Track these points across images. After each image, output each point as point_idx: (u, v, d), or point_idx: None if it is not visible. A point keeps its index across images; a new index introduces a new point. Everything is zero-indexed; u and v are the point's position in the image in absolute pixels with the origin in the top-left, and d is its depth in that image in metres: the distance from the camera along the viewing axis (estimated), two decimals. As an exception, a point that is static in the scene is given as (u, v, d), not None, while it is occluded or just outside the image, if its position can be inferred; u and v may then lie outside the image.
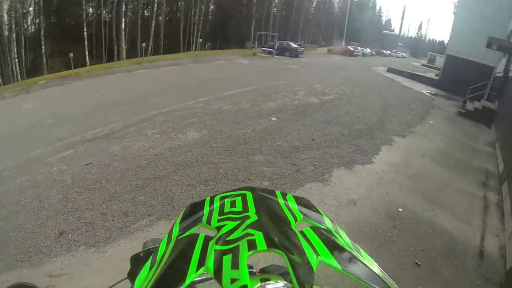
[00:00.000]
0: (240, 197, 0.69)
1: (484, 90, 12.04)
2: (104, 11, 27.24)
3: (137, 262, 1.07)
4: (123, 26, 27.20)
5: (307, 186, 4.44)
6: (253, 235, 0.50)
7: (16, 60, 22.23)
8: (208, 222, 0.61)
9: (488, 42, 10.91)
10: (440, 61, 21.65)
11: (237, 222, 0.57)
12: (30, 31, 24.37)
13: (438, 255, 3.30)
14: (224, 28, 35.41)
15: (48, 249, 3.25)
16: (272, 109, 8.32)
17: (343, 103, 9.56)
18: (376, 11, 60.77)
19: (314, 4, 47.09)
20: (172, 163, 5.02)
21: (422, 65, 26.19)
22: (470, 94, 12.15)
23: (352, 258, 0.50)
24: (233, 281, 0.40)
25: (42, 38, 23.52)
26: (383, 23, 64.50)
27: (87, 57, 25.25)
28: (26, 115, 8.84)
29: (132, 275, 1.07)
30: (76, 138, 6.29)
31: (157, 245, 1.07)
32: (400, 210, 4.07)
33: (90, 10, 26.57)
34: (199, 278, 0.89)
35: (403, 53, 43.57)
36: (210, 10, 36.06)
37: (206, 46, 31.26)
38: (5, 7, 21.21)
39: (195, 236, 0.55)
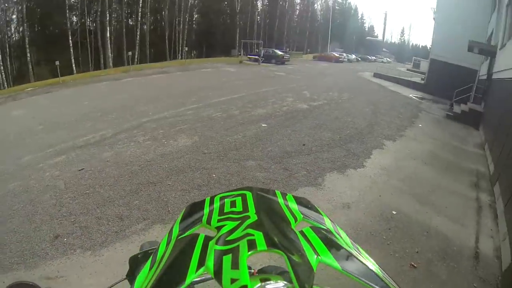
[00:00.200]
0: (240, 197, 0.69)
1: (470, 93, 12.42)
2: (88, 19, 27.02)
3: (135, 263, 1.08)
4: (108, 34, 26.93)
5: (301, 190, 4.42)
6: (253, 235, 0.50)
7: (2, 68, 21.73)
8: (208, 222, 0.61)
9: (469, 46, 11.28)
10: (424, 65, 22.20)
11: (237, 222, 0.57)
12: (14, 39, 23.99)
13: (434, 257, 3.30)
14: (209, 36, 35.57)
15: (44, 252, 3.19)
16: (262, 115, 8.34)
17: (332, 108, 9.68)
18: (359, 17, 62.21)
19: (297, 12, 47.91)
20: (165, 169, 4.96)
21: (407, 69, 26.81)
22: (456, 97, 12.50)
23: (352, 258, 0.50)
24: (233, 281, 0.40)
25: (27, 46, 23.02)
26: (366, 29, 66.01)
27: (73, 65, 24.85)
28: (15, 122, 8.61)
29: (130, 276, 1.09)
30: (67, 145, 6.19)
31: (155, 247, 1.01)
32: (394, 212, 4.08)
33: (74, 18, 26.26)
34: (199, 278, 0.90)
35: (388, 59, 44.63)
36: (194, 19, 36.20)
37: (192, 54, 31.28)
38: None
39: (195, 236, 0.55)
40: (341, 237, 0.59)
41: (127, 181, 4.60)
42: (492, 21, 12.83)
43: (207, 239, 0.54)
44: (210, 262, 0.46)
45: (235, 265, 0.43)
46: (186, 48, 28.98)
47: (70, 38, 24.61)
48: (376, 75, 20.44)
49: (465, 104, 11.67)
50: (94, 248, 3.25)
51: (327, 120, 8.15)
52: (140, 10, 29.47)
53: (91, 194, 4.26)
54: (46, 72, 21.86)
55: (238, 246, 0.48)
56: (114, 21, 28.79)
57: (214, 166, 5.07)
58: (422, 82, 17.97)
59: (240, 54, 31.45)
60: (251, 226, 0.54)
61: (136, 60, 27.79)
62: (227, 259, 0.45)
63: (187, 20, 34.00)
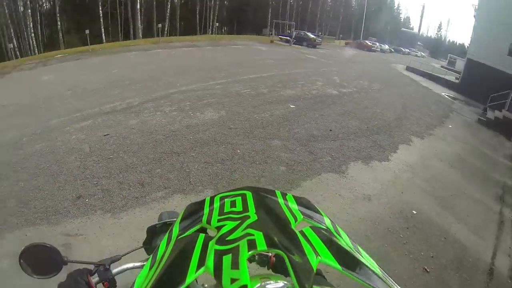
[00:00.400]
0: (240, 197, 0.67)
1: (506, 99, 11.57)
2: (118, -10, 26.67)
3: (152, 233, 1.09)
4: (138, 6, 26.38)
5: (324, 176, 4.32)
6: (253, 235, 0.49)
7: (33, 35, 21.88)
8: (208, 222, 0.60)
9: (510, 50, 10.37)
10: (460, 64, 20.79)
11: (237, 222, 0.56)
12: (45, 8, 24.04)
13: (448, 265, 3.16)
14: (240, 13, 34.33)
15: (66, 211, 3.26)
16: (291, 96, 8.11)
17: (362, 97, 9.29)
18: (395, 7, 58.41)
19: (331, -4, 45.53)
20: (189, 140, 4.93)
21: (441, 66, 25.15)
22: (490, 102, 11.67)
23: (352, 258, 0.49)
24: (233, 281, 0.39)
25: (58, 14, 23.09)
26: (402, 20, 62.04)
27: (103, 35, 24.69)
28: (44, 87, 8.75)
29: (147, 245, 1.11)
30: (94, 110, 6.23)
31: (173, 219, 1.07)
32: (415, 212, 3.93)
33: (105, -12, 26.04)
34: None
35: (422, 53, 41.97)
36: (225, -5, 34.96)
37: (223, 30, 30.52)
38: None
39: (195, 236, 0.54)
40: (341, 237, 0.57)
41: (151, 149, 4.59)
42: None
43: (207, 239, 0.53)
44: (210, 262, 0.45)
45: (235, 265, 0.42)
46: (217, 24, 28.31)
47: (100, 8, 24.38)
48: (409, 68, 19.37)
49: (500, 111, 10.85)
50: (114, 211, 3.29)
51: (356, 108, 7.83)
52: (171, -18, 28.62)
53: (114, 159, 4.30)
54: (76, 40, 21.97)
55: (238, 246, 0.47)
56: (144, -8, 28.27)
57: (239, 142, 5.01)
58: (456, 81, 16.87)
59: (271, 34, 30.50)
60: (251, 226, 0.54)
61: (165, 32, 27.16)
62: (227, 259, 0.44)
63: (218, -5, 32.98)
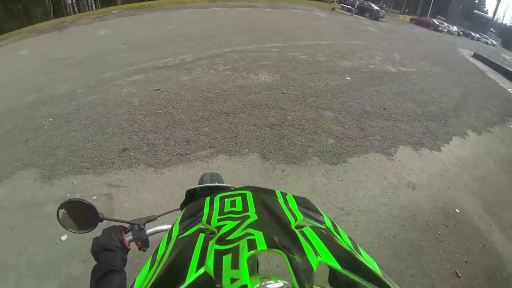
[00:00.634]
0: (240, 197, 0.64)
1: None
2: None
3: (191, 196, 1.02)
4: None
5: (371, 155, 3.87)
6: (253, 234, 0.47)
7: None
8: (208, 221, 0.57)
9: None
10: (537, 61, 17.51)
11: (237, 222, 0.53)
12: None
13: (480, 274, 2.72)
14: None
15: (111, 162, 3.22)
16: (348, 68, 7.26)
17: (421, 79, 8.04)
18: (469, -14, 49.34)
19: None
20: (240, 101, 4.62)
21: (512, 59, 21.52)
22: None
23: (352, 258, 0.46)
24: (233, 280, 0.37)
25: None
26: (476, 1, 52.70)
27: None
28: (100, 41, 8.62)
29: (184, 207, 0.93)
30: (147, 65, 6.03)
31: (214, 184, 1.12)
32: (457, 211, 3.41)
33: None
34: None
35: (493, 41, 35.56)
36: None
37: (283, -7, 27.99)
38: None
39: (195, 236, 0.51)
40: (341, 237, 0.54)
41: (200, 107, 4.35)
42: None
43: (207, 238, 0.49)
44: (210, 262, 0.42)
45: (235, 265, 0.40)
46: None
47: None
48: (476, 56, 16.32)
49: None
50: (157, 166, 3.18)
51: (413, 90, 6.82)
52: None
53: (163, 114, 4.12)
54: (132, -4, 21.35)
55: (238, 246, 0.44)
56: None
57: (291, 108, 4.61)
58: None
59: (333, 1, 27.54)
60: (251, 225, 0.51)
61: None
62: (227, 259, 0.42)
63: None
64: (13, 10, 18.80)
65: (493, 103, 8.44)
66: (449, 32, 30.00)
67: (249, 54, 7.09)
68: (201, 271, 0.41)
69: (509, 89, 11.44)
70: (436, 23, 29.25)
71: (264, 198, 0.64)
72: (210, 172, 1.72)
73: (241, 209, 0.59)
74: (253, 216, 0.55)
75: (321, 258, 0.42)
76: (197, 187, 1.03)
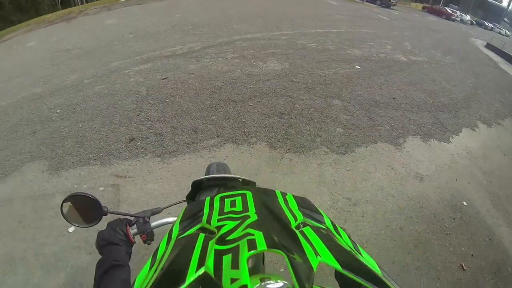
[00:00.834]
0: (240, 197, 0.63)
1: None
2: None
3: (197, 188, 1.00)
4: None
5: (380, 145, 3.75)
6: (253, 234, 0.46)
7: None
8: (208, 221, 0.56)
9: None
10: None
11: (237, 222, 0.52)
12: None
13: (485, 268, 2.65)
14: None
15: (118, 152, 3.15)
16: (357, 56, 7.02)
17: (432, 69, 7.73)
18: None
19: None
20: (249, 89, 4.49)
21: (526, 50, 20.62)
22: None
23: (352, 258, 0.45)
24: (233, 280, 0.36)
25: None
26: None
27: None
28: (107, 30, 8.44)
29: (190, 200, 1.03)
30: (154, 54, 5.88)
31: (219, 175, 1.03)
32: (465, 204, 3.31)
33: None
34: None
35: (507, 31, 34.22)
36: None
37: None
38: None
39: (195, 236, 0.50)
40: (341, 237, 0.54)
41: (208, 95, 4.23)
42: None
43: (207, 239, 0.49)
44: (210, 261, 0.41)
45: (235, 265, 0.39)
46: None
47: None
48: (489, 46, 15.63)
49: None
50: (164, 155, 3.10)
51: (424, 79, 6.57)
52: None
53: (170, 103, 4.01)
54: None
55: (238, 246, 0.44)
56: None
57: (300, 96, 4.47)
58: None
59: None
60: (251, 225, 0.50)
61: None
62: (227, 259, 0.41)
63: None
64: (21, 2, 18.70)
65: (504, 95, 8.15)
66: (462, 21, 28.85)
67: (257, 42, 6.89)
68: (201, 271, 0.41)
69: (522, 81, 11.04)
70: (449, 11, 28.08)
71: (264, 198, 0.63)
72: (217, 162, 1.67)
73: (241, 209, 0.58)
74: (253, 216, 0.54)
75: (321, 258, 0.42)
76: (204, 178, 0.99)
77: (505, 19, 47.14)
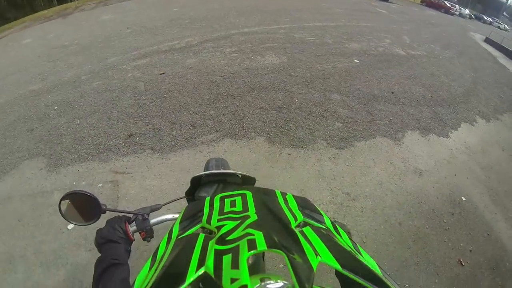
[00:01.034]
0: (240, 197, 0.63)
1: None
2: None
3: (197, 184, 0.99)
4: None
5: (378, 140, 3.73)
6: (253, 234, 0.46)
7: None
8: (208, 221, 0.56)
9: None
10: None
11: (237, 222, 0.52)
12: None
13: (484, 263, 2.66)
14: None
15: (116, 148, 3.11)
16: (356, 50, 6.95)
17: (431, 63, 7.69)
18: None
19: None
20: (247, 83, 4.44)
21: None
22: None
23: (352, 258, 0.45)
24: (233, 280, 0.36)
25: None
26: None
27: None
28: (104, 26, 8.29)
29: (189, 196, 1.01)
30: (152, 49, 5.80)
31: (219, 171, 1.02)
32: (464, 199, 3.30)
33: None
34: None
35: (506, 26, 34.13)
36: None
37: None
38: None
39: (195, 236, 0.50)
40: (341, 237, 0.53)
41: (207, 90, 4.18)
42: None
43: (207, 239, 0.48)
44: (210, 261, 0.41)
45: (235, 265, 0.39)
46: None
47: None
48: (488, 40, 15.53)
49: None
50: (163, 151, 3.07)
51: (423, 74, 6.54)
52: None
53: (168, 98, 3.96)
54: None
55: (238, 245, 0.43)
56: None
57: (298, 90, 4.42)
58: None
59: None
60: (251, 225, 0.49)
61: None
62: (227, 259, 0.41)
63: None
64: (16, -1, 18.43)
65: (503, 89, 8.13)
66: (460, 15, 28.68)
67: (255, 36, 6.82)
68: (201, 271, 0.41)
69: (521, 75, 11.02)
70: (448, 5, 27.89)
71: (264, 198, 0.62)
72: (215, 157, 1.65)
73: (241, 209, 0.57)
74: (253, 216, 0.53)
75: (321, 258, 0.42)
76: (203, 174, 0.97)
77: (504, 13, 46.97)
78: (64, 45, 7.00)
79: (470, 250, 2.74)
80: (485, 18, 32.38)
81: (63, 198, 0.77)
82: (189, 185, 1.00)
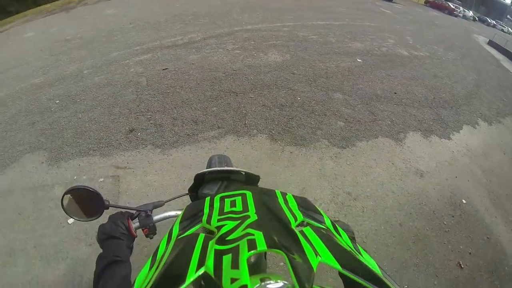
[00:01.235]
0: (240, 197, 0.63)
1: None
2: None
3: (200, 181, 0.98)
4: None
5: (380, 140, 3.71)
6: (253, 234, 0.46)
7: None
8: (208, 221, 0.55)
9: None
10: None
11: (237, 222, 0.52)
12: None
13: (483, 267, 2.65)
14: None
15: (118, 143, 3.09)
16: (359, 49, 6.91)
17: (434, 64, 7.66)
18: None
19: None
20: (250, 80, 4.41)
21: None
22: None
23: (352, 258, 0.45)
24: (233, 280, 0.36)
25: None
26: None
27: None
28: (107, 20, 8.21)
29: (192, 193, 1.01)
30: (155, 44, 5.76)
31: (222, 168, 1.01)
32: (464, 201, 3.29)
33: None
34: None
35: (510, 29, 34.00)
36: None
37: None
38: None
39: (195, 236, 0.49)
40: (341, 237, 0.53)
41: (209, 86, 4.15)
42: None
43: (207, 239, 0.48)
44: (210, 261, 0.41)
45: (235, 265, 0.39)
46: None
47: None
48: (492, 43, 15.40)
49: None
50: (164, 146, 3.05)
51: (425, 75, 6.50)
52: None
53: (170, 94, 3.94)
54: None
55: (238, 245, 0.43)
56: None
57: (301, 89, 4.40)
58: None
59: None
60: (251, 225, 0.49)
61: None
62: (227, 259, 0.41)
63: None
64: (19, -8, 18.29)
65: (506, 93, 8.09)
66: (464, 16, 28.55)
67: (259, 33, 6.78)
68: (201, 271, 0.41)
69: (523, 78, 10.96)
70: (452, 6, 27.77)
71: (264, 198, 0.62)
72: (218, 154, 1.64)
73: (241, 209, 0.57)
74: (253, 216, 0.53)
75: (321, 258, 0.42)
76: (206, 171, 0.96)
77: (508, 16, 46.76)
78: (67, 39, 6.97)
79: (470, 253, 2.73)
80: (489, 20, 32.20)
81: (65, 193, 0.76)
82: (191, 181, 0.99)
